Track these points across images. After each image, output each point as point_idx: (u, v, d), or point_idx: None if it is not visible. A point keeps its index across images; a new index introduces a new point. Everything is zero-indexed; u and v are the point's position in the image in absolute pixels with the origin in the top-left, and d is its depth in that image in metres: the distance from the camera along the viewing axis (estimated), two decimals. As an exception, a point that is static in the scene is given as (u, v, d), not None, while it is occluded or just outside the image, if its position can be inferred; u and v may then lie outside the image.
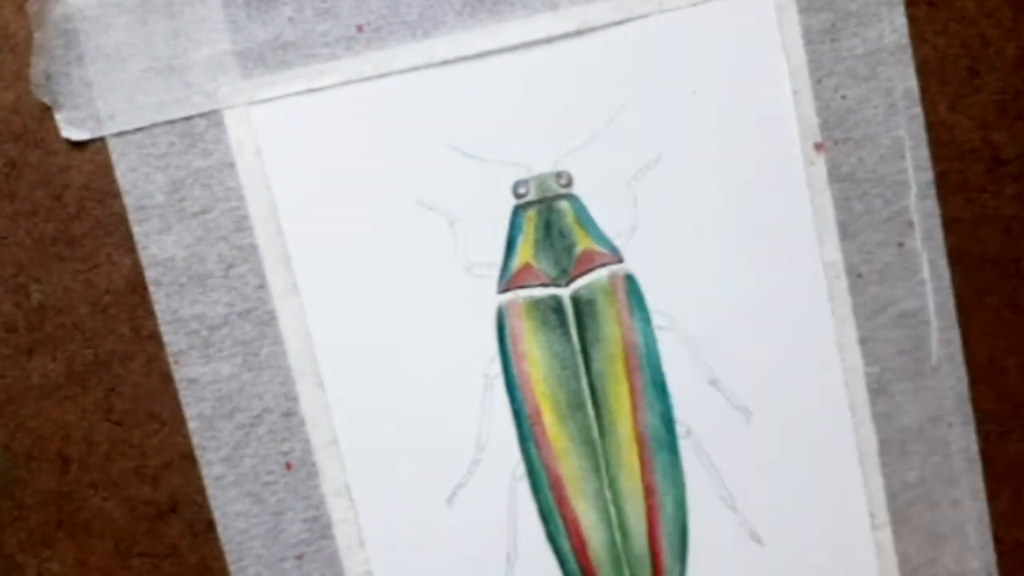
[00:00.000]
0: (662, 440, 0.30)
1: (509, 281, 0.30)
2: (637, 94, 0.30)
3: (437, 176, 0.29)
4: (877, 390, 0.31)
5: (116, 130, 0.28)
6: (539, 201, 0.30)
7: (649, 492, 0.31)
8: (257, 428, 0.29)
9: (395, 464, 0.30)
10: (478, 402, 0.30)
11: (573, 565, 0.30)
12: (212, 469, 0.29)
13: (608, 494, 0.31)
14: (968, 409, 0.31)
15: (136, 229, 0.29)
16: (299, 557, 0.30)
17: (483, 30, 0.29)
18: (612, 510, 0.31)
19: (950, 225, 0.31)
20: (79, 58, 0.28)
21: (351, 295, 0.29)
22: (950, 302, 0.31)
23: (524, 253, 0.30)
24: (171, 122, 0.29)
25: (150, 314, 0.29)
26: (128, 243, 0.29)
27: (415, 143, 0.29)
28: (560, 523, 0.30)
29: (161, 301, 0.29)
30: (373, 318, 0.29)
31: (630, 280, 0.30)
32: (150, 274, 0.29)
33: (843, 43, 0.30)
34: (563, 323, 0.30)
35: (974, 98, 0.31)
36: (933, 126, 0.31)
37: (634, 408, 0.30)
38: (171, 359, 0.29)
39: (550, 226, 0.30)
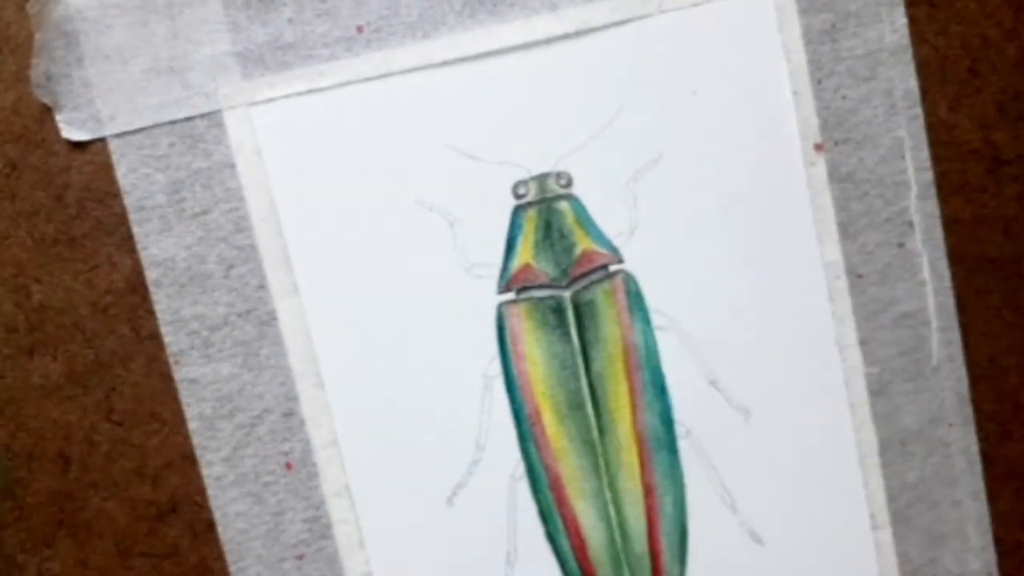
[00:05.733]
0: (661, 440, 0.30)
1: (509, 281, 0.30)
2: (637, 94, 0.30)
3: (437, 176, 0.29)
4: (877, 391, 0.31)
5: (117, 131, 0.28)
6: (539, 201, 0.30)
7: (648, 492, 0.31)
8: (257, 428, 0.29)
9: (395, 464, 0.30)
10: (478, 402, 0.30)
11: (573, 565, 0.30)
12: (212, 469, 0.29)
13: (608, 494, 0.31)
14: (968, 410, 0.31)
15: (136, 230, 0.29)
16: (299, 557, 0.30)
17: (483, 31, 0.29)
18: (612, 510, 0.31)
19: (950, 226, 0.31)
20: (79, 59, 0.28)
21: (351, 295, 0.29)
22: (950, 302, 0.31)
23: (524, 253, 0.30)
24: (171, 123, 0.29)
25: (150, 314, 0.29)
26: (129, 244, 0.29)
27: (415, 143, 0.29)
28: (560, 523, 0.30)
29: (161, 301, 0.29)
30: (373, 318, 0.29)
31: (630, 280, 0.30)
32: (150, 274, 0.29)
33: (843, 43, 0.30)
34: (563, 323, 0.30)
35: (974, 98, 0.31)
36: (933, 127, 0.31)
37: (634, 408, 0.30)
38: (171, 359, 0.29)
39: (550, 226, 0.30)
